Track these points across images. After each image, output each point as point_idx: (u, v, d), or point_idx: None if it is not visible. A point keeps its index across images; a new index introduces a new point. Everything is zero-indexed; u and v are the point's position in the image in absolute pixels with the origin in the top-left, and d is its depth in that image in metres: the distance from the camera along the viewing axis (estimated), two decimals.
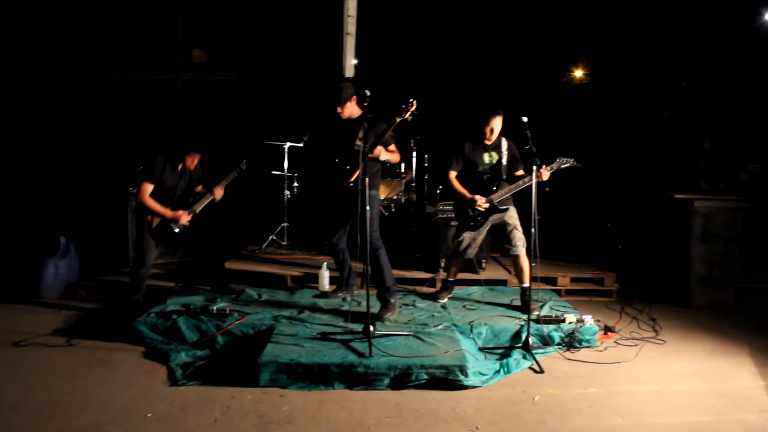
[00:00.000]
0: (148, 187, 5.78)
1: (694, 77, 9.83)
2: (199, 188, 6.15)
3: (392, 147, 5.65)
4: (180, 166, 5.95)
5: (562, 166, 5.68)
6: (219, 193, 6.05)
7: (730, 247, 6.75)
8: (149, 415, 3.89)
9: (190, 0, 9.97)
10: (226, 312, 5.37)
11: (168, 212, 5.86)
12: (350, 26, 7.98)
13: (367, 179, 5.01)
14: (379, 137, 5.45)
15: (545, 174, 5.50)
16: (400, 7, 9.51)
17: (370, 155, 5.38)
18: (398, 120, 5.39)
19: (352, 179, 5.26)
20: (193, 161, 5.95)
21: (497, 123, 5.81)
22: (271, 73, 9.94)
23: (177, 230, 5.94)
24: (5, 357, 4.86)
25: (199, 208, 6.02)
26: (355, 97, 5.62)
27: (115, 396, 4.17)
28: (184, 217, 5.92)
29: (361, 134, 5.44)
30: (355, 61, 8.43)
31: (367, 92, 5.32)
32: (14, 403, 4.01)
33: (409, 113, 5.37)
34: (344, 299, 6.14)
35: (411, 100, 5.37)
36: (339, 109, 5.60)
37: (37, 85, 9.41)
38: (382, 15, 8.97)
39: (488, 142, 5.91)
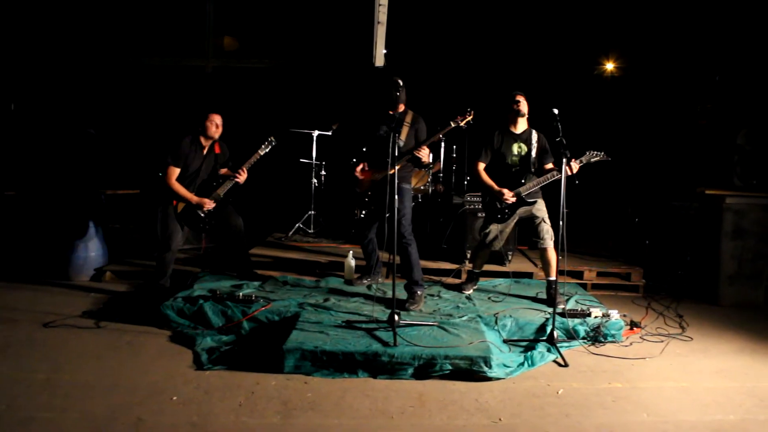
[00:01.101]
0: (174, 171, 5.84)
1: (728, 71, 9.66)
2: (224, 171, 6.17)
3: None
4: (205, 149, 5.99)
5: (592, 160, 5.63)
6: (242, 175, 6.02)
7: (762, 245, 6.65)
8: (175, 398, 3.94)
9: None
10: (252, 298, 5.42)
11: (194, 198, 5.91)
12: (381, 15, 7.94)
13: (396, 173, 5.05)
14: (427, 139, 5.53)
15: (575, 167, 5.46)
16: None
17: (415, 152, 5.44)
18: (452, 125, 5.48)
19: (389, 173, 5.23)
20: (214, 128, 5.95)
21: (521, 98, 5.83)
22: (301, 61, 9.95)
23: (202, 215, 5.99)
24: (36, 337, 4.95)
25: (222, 192, 6.04)
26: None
27: (142, 378, 4.22)
28: (209, 204, 5.97)
29: (405, 131, 5.49)
30: (385, 51, 8.40)
31: (400, 81, 5.34)
32: (44, 383, 4.08)
33: (464, 122, 5.45)
34: (369, 287, 6.17)
35: (469, 109, 5.43)
36: (394, 111, 5.61)
37: (68, 70, 9.52)
38: (411, 4, 8.92)
39: (517, 132, 5.88)
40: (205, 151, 6.01)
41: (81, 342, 4.88)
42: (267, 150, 6.09)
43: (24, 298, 6.01)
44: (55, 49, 9.46)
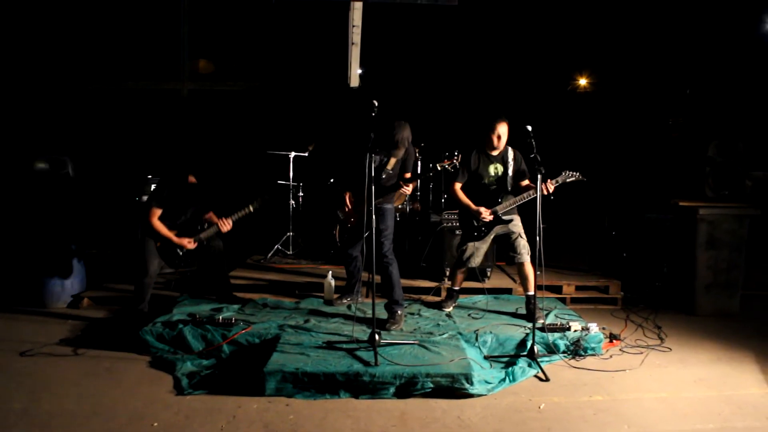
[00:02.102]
0: (157, 212, 5.83)
1: (699, 85, 9.84)
2: (209, 215, 6.14)
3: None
4: (185, 186, 5.99)
5: (568, 180, 5.69)
6: (226, 226, 5.99)
7: (736, 255, 6.73)
8: (155, 424, 3.90)
9: (196, 10, 10.04)
10: (231, 321, 5.38)
11: (174, 238, 5.89)
12: (355, 36, 8.01)
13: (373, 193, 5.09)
14: (413, 179, 5.72)
15: (550, 187, 5.52)
16: (405, 17, 9.55)
17: (401, 189, 5.55)
18: (439, 168, 5.55)
19: (366, 203, 5.23)
20: (193, 179, 6.00)
21: (503, 130, 5.83)
22: (276, 82, 9.98)
23: (180, 253, 5.98)
24: (12, 367, 4.88)
25: (205, 237, 6.03)
26: None
27: (122, 405, 4.18)
28: (189, 245, 5.95)
29: (393, 161, 5.55)
30: (360, 71, 8.46)
31: (375, 102, 5.37)
32: (21, 413, 4.03)
33: (451, 166, 5.53)
34: (349, 307, 6.16)
35: (457, 153, 5.56)
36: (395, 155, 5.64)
37: (46, 95, 9.47)
38: (386, 25, 9.00)
39: (494, 153, 5.93)
40: (187, 194, 6.01)
41: (59, 370, 4.82)
42: (258, 207, 6.06)
43: None
44: (29, 74, 9.41)
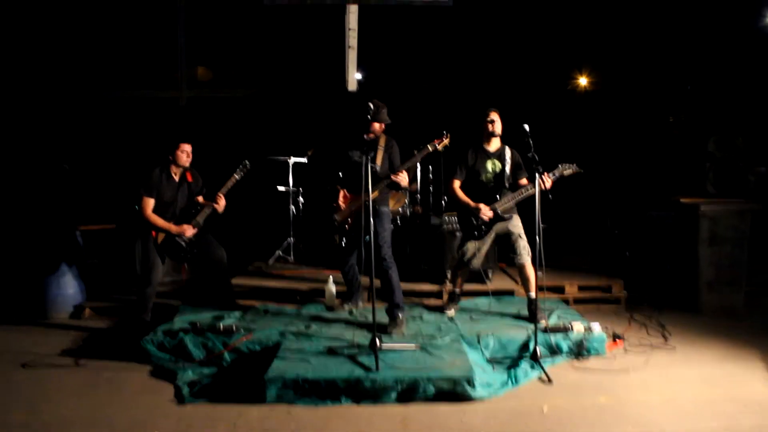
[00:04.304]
0: (149, 202, 5.82)
1: (699, 81, 9.82)
2: (200, 199, 6.14)
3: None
4: (177, 176, 5.98)
5: (565, 173, 5.66)
6: (220, 202, 5.98)
7: (739, 251, 6.69)
8: None
9: (193, 18, 10.04)
10: (232, 329, 5.37)
11: (172, 227, 5.88)
12: (352, 39, 8.01)
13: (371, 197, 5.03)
14: (404, 163, 5.57)
15: (548, 182, 5.47)
16: (401, 16, 9.54)
17: (393, 176, 5.43)
18: (429, 149, 5.48)
19: (364, 200, 5.19)
20: (185, 157, 5.96)
21: (495, 116, 5.87)
22: (275, 88, 9.98)
23: (183, 244, 5.95)
24: (13, 378, 4.87)
25: (201, 219, 6.01)
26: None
27: (122, 415, 4.16)
28: (189, 231, 5.93)
29: (380, 155, 5.50)
30: (358, 76, 8.45)
31: (371, 104, 5.34)
32: (22, 424, 4.01)
33: (441, 145, 5.47)
34: (350, 312, 6.13)
35: (445, 132, 5.46)
36: (370, 133, 5.53)
37: (42, 104, 9.47)
38: (382, 26, 8.99)
39: (491, 149, 5.92)
40: (177, 179, 6.00)
41: (60, 381, 4.80)
42: (242, 174, 6.08)
43: (0, 338, 5.92)
44: (26, 83, 9.41)
